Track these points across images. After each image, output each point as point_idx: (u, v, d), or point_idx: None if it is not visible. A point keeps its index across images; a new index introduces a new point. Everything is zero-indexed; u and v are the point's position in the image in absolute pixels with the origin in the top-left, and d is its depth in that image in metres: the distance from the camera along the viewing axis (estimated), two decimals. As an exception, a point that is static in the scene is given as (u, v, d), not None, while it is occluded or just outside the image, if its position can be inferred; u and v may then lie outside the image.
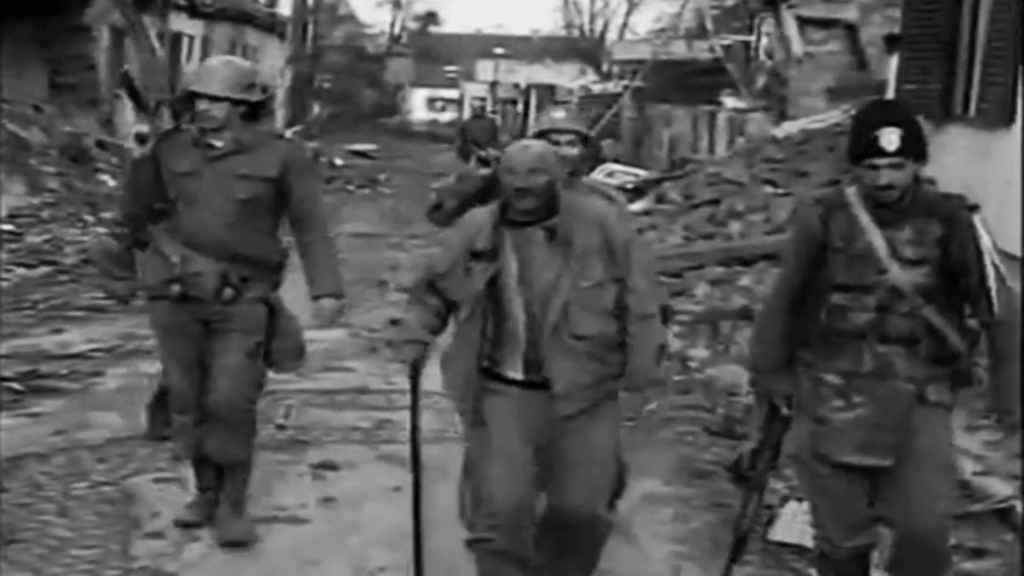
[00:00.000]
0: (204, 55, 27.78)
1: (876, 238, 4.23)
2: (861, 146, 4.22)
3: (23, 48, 18.11)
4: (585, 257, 4.32)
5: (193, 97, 5.35)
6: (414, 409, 4.66)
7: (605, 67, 40.56)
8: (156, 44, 21.06)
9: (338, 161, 29.91)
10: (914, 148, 4.20)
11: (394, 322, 4.11)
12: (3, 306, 10.58)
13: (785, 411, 4.49)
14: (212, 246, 5.30)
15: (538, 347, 4.32)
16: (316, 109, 44.88)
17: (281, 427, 7.14)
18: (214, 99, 5.28)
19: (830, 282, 4.30)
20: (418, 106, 63.59)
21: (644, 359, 4.43)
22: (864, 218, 4.25)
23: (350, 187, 25.31)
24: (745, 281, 11.00)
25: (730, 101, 22.96)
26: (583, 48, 47.21)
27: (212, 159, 5.33)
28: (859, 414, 4.29)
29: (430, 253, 4.37)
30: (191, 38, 26.96)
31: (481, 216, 4.46)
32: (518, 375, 4.40)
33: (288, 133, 6.69)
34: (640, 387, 4.55)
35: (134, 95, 5.37)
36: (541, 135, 4.98)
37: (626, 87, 28.76)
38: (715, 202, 14.62)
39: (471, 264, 4.35)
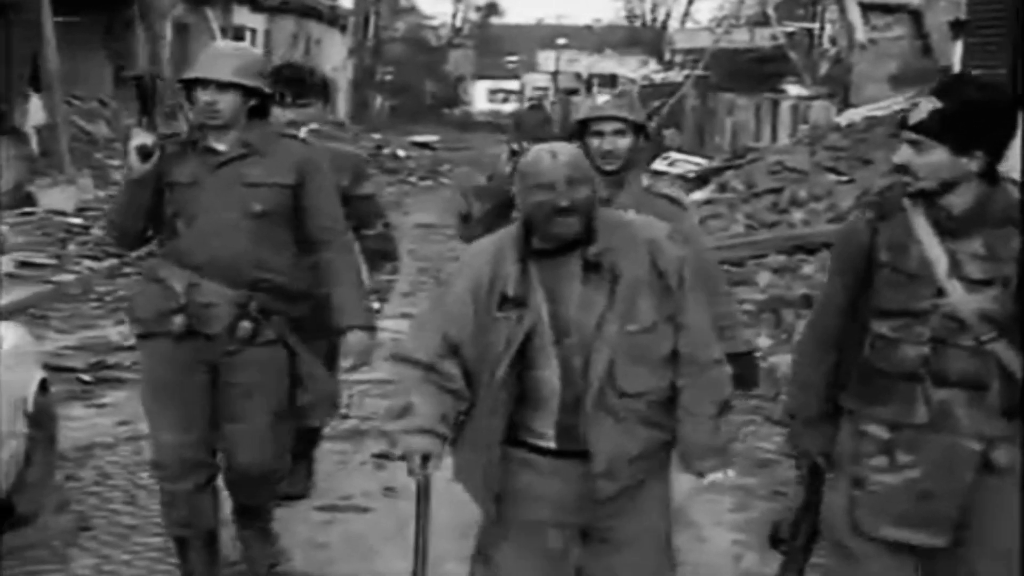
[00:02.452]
0: (267, 49, 28.08)
1: (933, 250, 3.32)
2: (901, 120, 3.45)
3: (89, 43, 18.36)
4: (634, 293, 3.38)
5: (190, 88, 4.49)
6: (420, 525, 3.58)
7: (667, 56, 40.42)
8: (219, 38, 21.26)
9: (400, 153, 30.01)
10: (954, 131, 3.26)
11: (402, 412, 3.47)
12: (72, 298, 10.75)
13: (828, 472, 3.61)
14: (225, 270, 4.43)
15: (577, 410, 3.40)
16: (378, 101, 45.09)
17: (344, 416, 7.20)
18: (222, 87, 4.42)
19: (874, 307, 3.41)
20: (479, 97, 63.58)
21: (700, 425, 3.47)
22: (921, 225, 3.35)
23: (412, 178, 25.42)
24: (807, 269, 10.98)
25: (793, 89, 22.85)
26: (645, 37, 47.08)
27: (216, 166, 4.46)
28: (908, 477, 3.37)
29: (430, 303, 3.52)
30: (253, 32, 27.18)
31: (498, 247, 3.48)
32: (550, 443, 3.46)
33: (303, 132, 5.35)
34: (697, 464, 3.51)
35: (143, 97, 4.59)
36: (583, 125, 4.40)
37: (687, 76, 28.64)
38: (777, 190, 14.56)
39: (499, 315, 3.40)
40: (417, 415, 3.44)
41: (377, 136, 32.04)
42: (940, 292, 3.32)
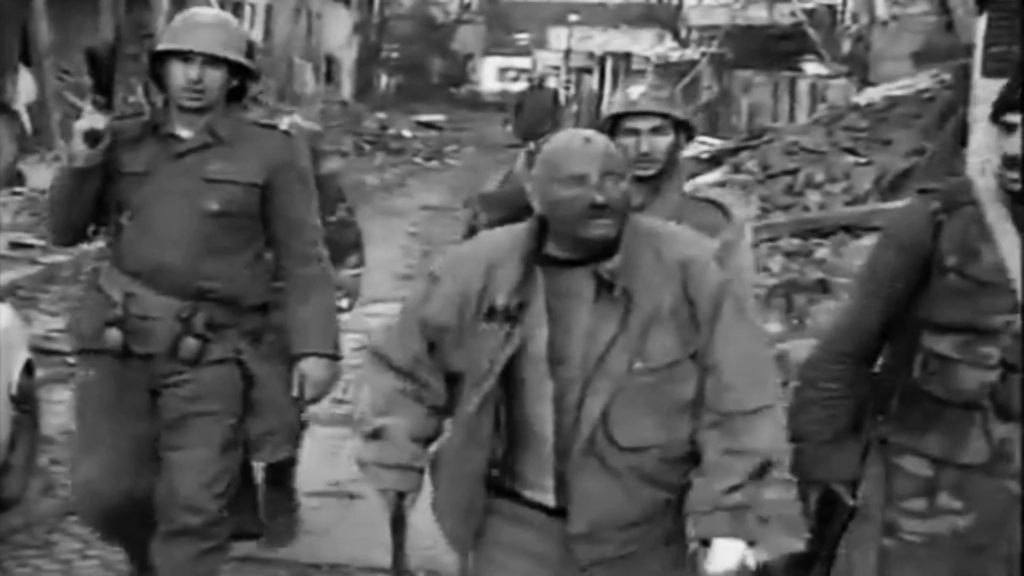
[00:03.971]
0: (268, 25, 28.12)
1: (1013, 256, 2.87)
2: (1002, 98, 2.99)
3: (82, 17, 18.39)
4: (651, 323, 2.90)
5: (161, 61, 4.02)
6: (397, 557, 3.25)
7: (683, 33, 40.35)
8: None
9: (406, 133, 30.07)
10: None
11: (375, 434, 3.12)
12: (63, 280, 10.82)
13: (850, 501, 3.14)
14: (168, 278, 3.97)
15: (570, 459, 2.94)
16: (383, 80, 45.10)
17: (340, 401, 7.25)
18: (209, 62, 3.95)
19: (930, 319, 2.98)
20: (489, 76, 63.51)
21: (714, 482, 2.88)
22: (1001, 224, 2.91)
23: (417, 159, 25.47)
24: (821, 253, 11.04)
25: (812, 67, 22.83)
26: (660, 14, 46.93)
27: (175, 155, 4.01)
28: (954, 525, 2.94)
29: (414, 298, 3.15)
30: (253, 7, 27.23)
31: (499, 246, 3.04)
32: (545, 496, 2.99)
33: (286, 122, 4.80)
34: (701, 525, 2.92)
35: (96, 72, 3.72)
36: (616, 120, 3.82)
37: (703, 54, 28.62)
38: (793, 172, 14.59)
39: (484, 326, 2.96)
40: (391, 443, 3.08)
41: (382, 115, 32.09)
42: (1016, 307, 2.89)
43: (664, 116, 3.81)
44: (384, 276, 10.06)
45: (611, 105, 3.98)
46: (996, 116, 2.97)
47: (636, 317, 2.89)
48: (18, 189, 14.25)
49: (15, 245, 11.71)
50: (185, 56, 3.95)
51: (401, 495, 3.12)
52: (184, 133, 4.03)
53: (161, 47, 4.06)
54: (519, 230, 3.04)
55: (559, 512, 2.97)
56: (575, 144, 2.96)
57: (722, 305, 2.91)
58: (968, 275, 2.92)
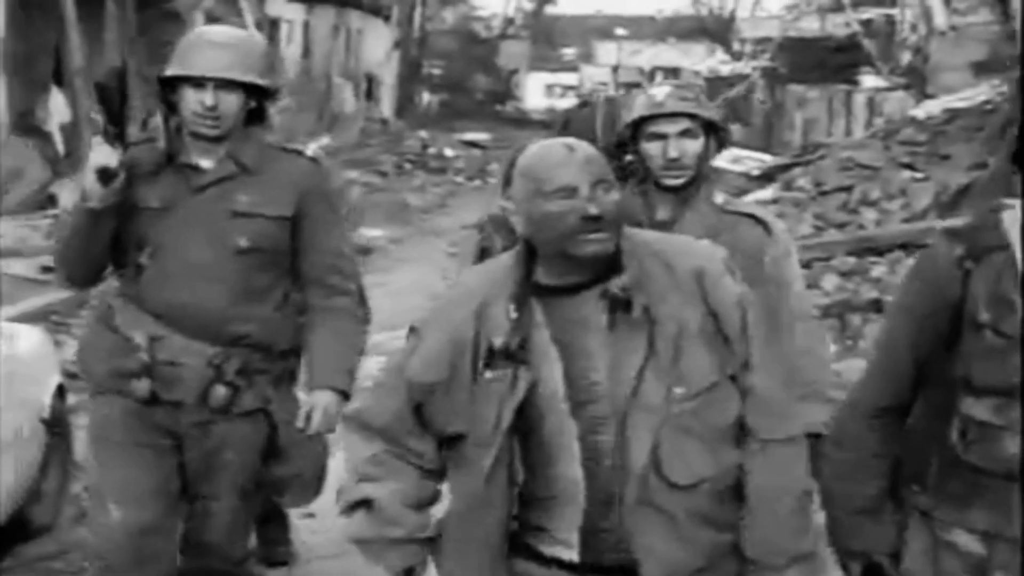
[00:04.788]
0: (306, 43, 28.36)
1: None
2: None
3: (115, 37, 18.63)
4: (681, 341, 2.67)
5: (172, 87, 3.81)
6: None
7: (735, 46, 40.37)
8: (253, 31, 21.51)
9: (448, 152, 30.19)
10: None
11: (362, 505, 2.86)
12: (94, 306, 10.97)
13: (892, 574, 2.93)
14: (198, 321, 3.81)
15: (609, 508, 2.67)
16: (425, 97, 45.34)
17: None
18: (223, 86, 3.76)
19: (964, 380, 2.72)
20: (534, 92, 63.69)
21: (772, 521, 2.73)
22: None
23: (459, 178, 25.60)
24: (877, 272, 11.04)
25: (868, 80, 22.80)
26: (712, 26, 47.00)
27: (196, 188, 3.83)
28: None
29: (398, 357, 2.90)
30: (290, 23, 27.45)
31: (486, 283, 2.78)
32: (570, 553, 2.73)
33: (311, 148, 4.18)
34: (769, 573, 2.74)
35: (107, 101, 3.71)
36: (637, 125, 3.62)
37: (755, 68, 28.63)
38: (848, 188, 14.58)
39: (489, 375, 2.69)
40: (385, 515, 2.82)
41: (423, 134, 32.26)
42: None
43: (693, 117, 3.60)
44: (422, 297, 10.14)
45: (631, 108, 3.69)
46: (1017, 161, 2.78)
47: (663, 338, 2.66)
48: (51, 212, 14.45)
49: (47, 269, 11.86)
50: (197, 81, 3.75)
51: (408, 572, 2.87)
52: (204, 163, 3.84)
53: (170, 72, 3.83)
54: (504, 260, 2.81)
55: (584, 568, 2.72)
56: (557, 153, 2.70)
57: (749, 320, 2.73)
58: (1002, 332, 2.64)
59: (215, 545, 4.01)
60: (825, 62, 25.82)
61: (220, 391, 3.83)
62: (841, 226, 13.35)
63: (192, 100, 3.75)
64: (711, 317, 2.69)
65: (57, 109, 16.02)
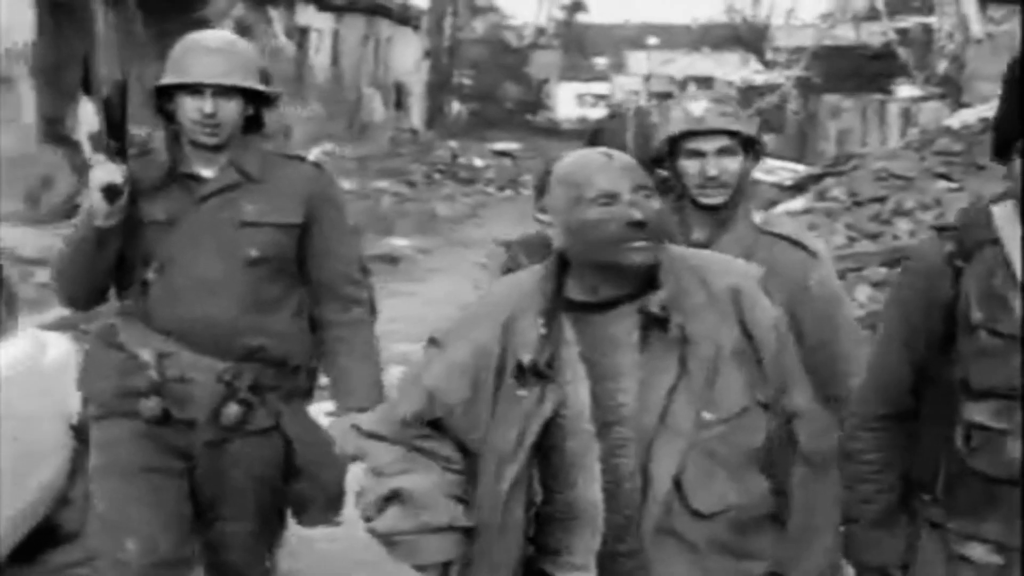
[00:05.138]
0: (335, 52, 28.51)
1: None
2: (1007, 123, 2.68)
3: (146, 47, 18.80)
4: (716, 364, 2.61)
5: (168, 96, 3.77)
6: None
7: (769, 55, 40.34)
8: (282, 40, 21.62)
9: (478, 162, 30.30)
10: None
11: (392, 498, 2.72)
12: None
13: None
14: (209, 335, 3.73)
15: (629, 533, 2.62)
16: (455, 107, 45.47)
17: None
18: (221, 93, 3.71)
19: (964, 383, 2.65)
20: (566, 102, 63.74)
21: (820, 547, 2.69)
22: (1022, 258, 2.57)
23: (490, 189, 25.69)
24: (911, 283, 11.02)
25: (903, 90, 22.75)
26: (745, 36, 46.97)
27: (200, 199, 3.77)
28: None
29: (414, 370, 2.84)
30: (320, 32, 27.60)
31: (512, 296, 2.73)
32: None
33: (314, 153, 4.75)
34: None
35: (110, 115, 3.65)
36: (675, 142, 3.48)
37: (789, 77, 28.63)
38: (882, 199, 14.57)
39: (519, 392, 2.64)
40: (419, 502, 2.70)
41: (453, 144, 32.38)
42: None
43: (732, 134, 3.46)
44: (452, 308, 10.17)
45: (667, 121, 3.55)
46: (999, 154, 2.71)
47: (697, 359, 2.59)
48: (76, 221, 14.57)
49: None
50: (194, 88, 3.69)
51: (446, 567, 2.71)
52: (205, 172, 3.78)
53: (165, 81, 3.77)
54: (534, 274, 2.75)
55: None
56: (597, 160, 2.68)
57: (785, 342, 2.68)
58: (999, 332, 2.56)
59: (234, 568, 3.92)
60: (860, 71, 25.79)
61: (233, 409, 3.74)
62: (874, 237, 13.35)
63: (190, 108, 3.71)
64: (746, 338, 2.63)
65: (86, 118, 16.15)
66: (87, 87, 16.32)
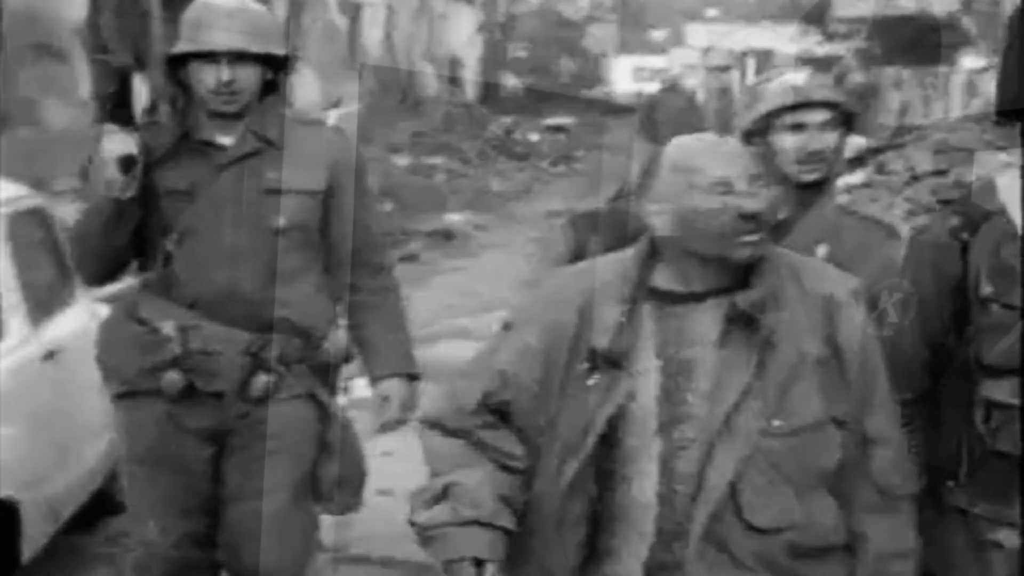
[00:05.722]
0: (388, 26, 28.63)
1: None
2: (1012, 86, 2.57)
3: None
4: (796, 372, 2.50)
5: (181, 64, 3.68)
6: None
7: (830, 27, 40.09)
8: (335, 14, 21.73)
9: (533, 137, 30.33)
10: None
11: (443, 495, 2.60)
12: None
13: None
14: (234, 306, 3.66)
15: (678, 541, 2.51)
16: (510, 81, 45.48)
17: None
18: (238, 59, 3.61)
19: (979, 360, 2.59)
20: (623, 76, 63.37)
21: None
22: None
23: (543, 164, 25.74)
24: (968, 257, 11.02)
25: (967, 60, 22.58)
26: (806, 6, 46.69)
27: (220, 167, 3.69)
28: None
29: (481, 355, 2.79)
30: (373, 7, 27.69)
31: (592, 280, 2.65)
32: None
33: (332, 116, 4.15)
34: None
35: (124, 86, 3.80)
36: (768, 117, 3.33)
37: (849, 49, 28.48)
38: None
39: (589, 380, 2.56)
40: (465, 497, 2.57)
41: (507, 119, 32.41)
42: None
43: (834, 107, 3.35)
44: (506, 284, 10.30)
45: (764, 97, 3.38)
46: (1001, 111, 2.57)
47: (777, 363, 2.49)
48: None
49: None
50: (210, 55, 3.61)
51: (479, 565, 2.55)
52: (223, 140, 3.71)
53: (180, 49, 3.69)
54: (619, 259, 2.66)
55: None
56: (711, 145, 2.59)
57: (874, 358, 2.57)
58: (1011, 304, 2.51)
59: (260, 560, 3.74)
60: (922, 41, 25.62)
61: (262, 379, 3.68)
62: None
63: (207, 76, 3.62)
64: (832, 350, 2.52)
65: (139, 95, 16.32)
66: (140, 64, 16.51)
